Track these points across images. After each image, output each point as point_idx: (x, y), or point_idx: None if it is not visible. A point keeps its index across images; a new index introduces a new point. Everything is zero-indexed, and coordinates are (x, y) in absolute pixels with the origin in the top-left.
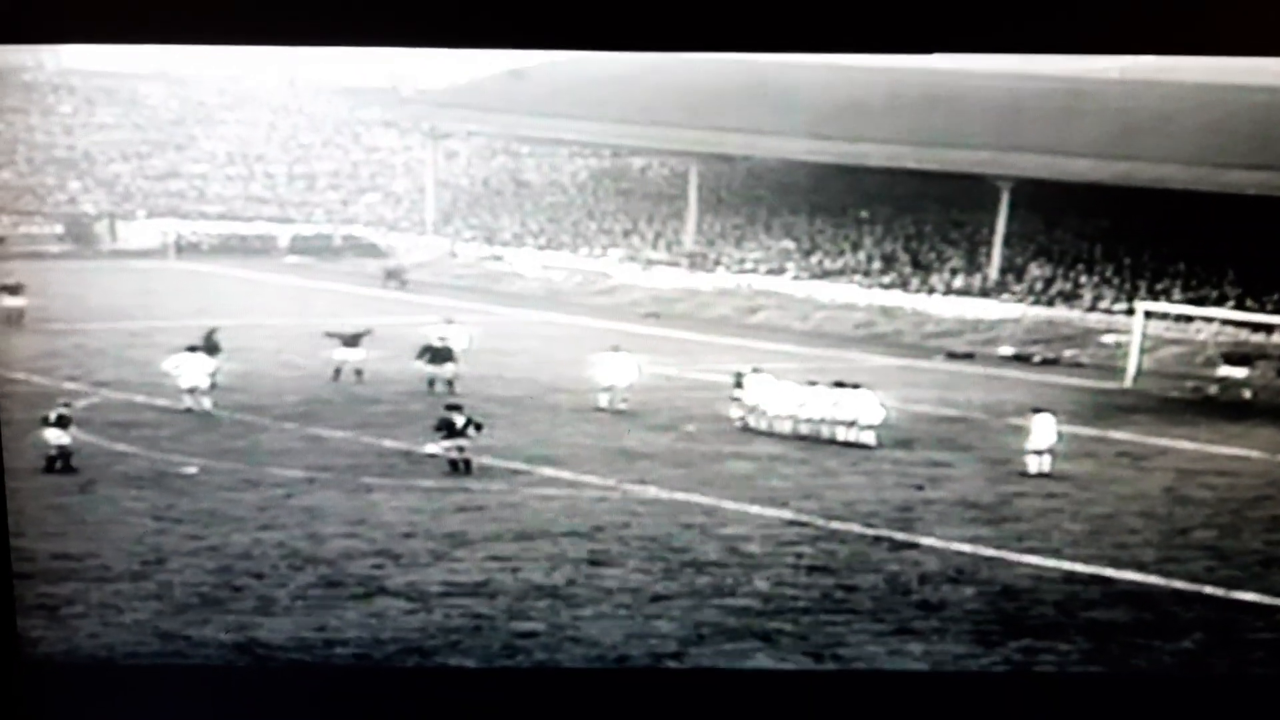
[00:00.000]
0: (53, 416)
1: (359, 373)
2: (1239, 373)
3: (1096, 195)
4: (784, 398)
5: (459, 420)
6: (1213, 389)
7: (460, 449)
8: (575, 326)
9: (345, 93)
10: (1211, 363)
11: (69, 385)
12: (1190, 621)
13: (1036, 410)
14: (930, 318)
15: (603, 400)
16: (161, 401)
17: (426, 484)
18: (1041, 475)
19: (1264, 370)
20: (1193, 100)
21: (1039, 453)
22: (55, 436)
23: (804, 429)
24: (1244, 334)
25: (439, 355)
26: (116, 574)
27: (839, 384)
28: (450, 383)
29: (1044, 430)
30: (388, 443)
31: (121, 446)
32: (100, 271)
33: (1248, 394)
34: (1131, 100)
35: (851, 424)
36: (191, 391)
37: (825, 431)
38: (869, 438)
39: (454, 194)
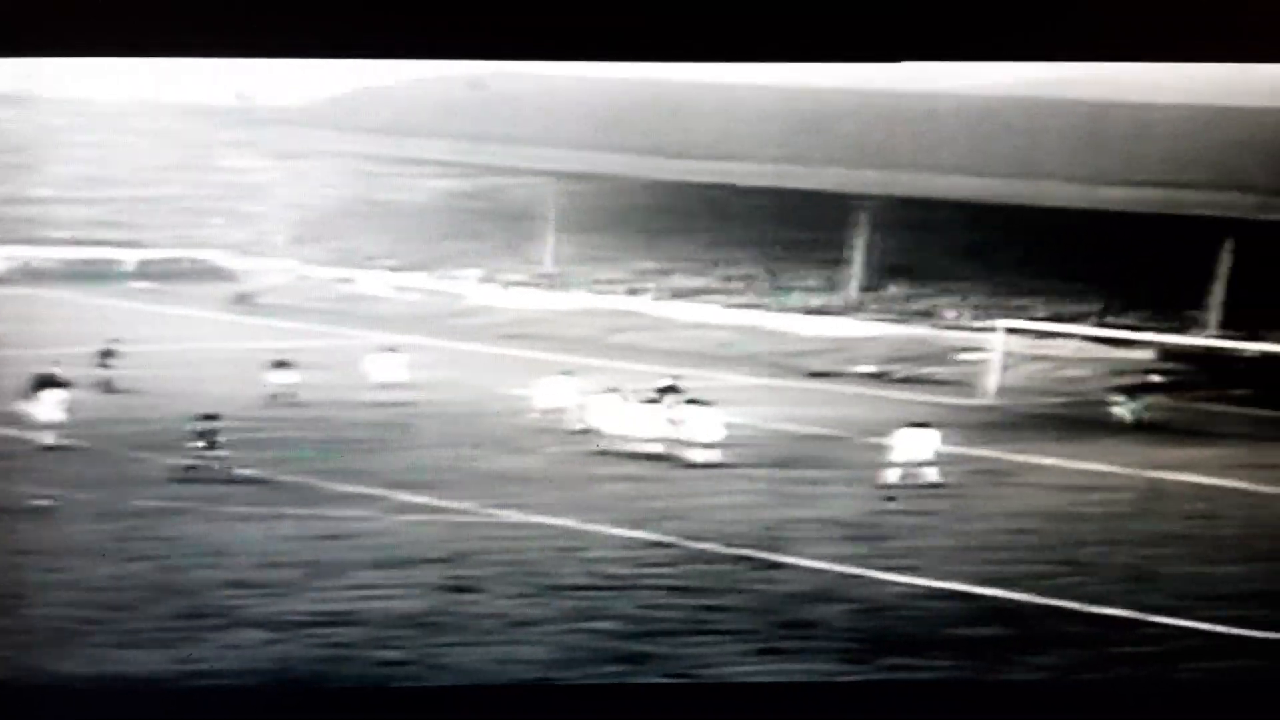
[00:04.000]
0: None
1: (291, 393)
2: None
3: (959, 213)
4: (626, 417)
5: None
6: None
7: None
8: (435, 348)
9: (194, 113)
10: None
11: None
12: (1058, 637)
13: (910, 425)
14: (792, 336)
15: (550, 421)
16: (12, 432)
17: (287, 511)
18: (908, 487)
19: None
20: (1060, 116)
21: (909, 465)
22: None
23: (642, 448)
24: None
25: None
26: None
27: (661, 393)
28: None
29: (914, 444)
30: (246, 470)
31: None
32: None
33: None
34: (995, 117)
35: (691, 443)
36: (45, 423)
37: (664, 450)
38: (707, 456)
39: (307, 215)
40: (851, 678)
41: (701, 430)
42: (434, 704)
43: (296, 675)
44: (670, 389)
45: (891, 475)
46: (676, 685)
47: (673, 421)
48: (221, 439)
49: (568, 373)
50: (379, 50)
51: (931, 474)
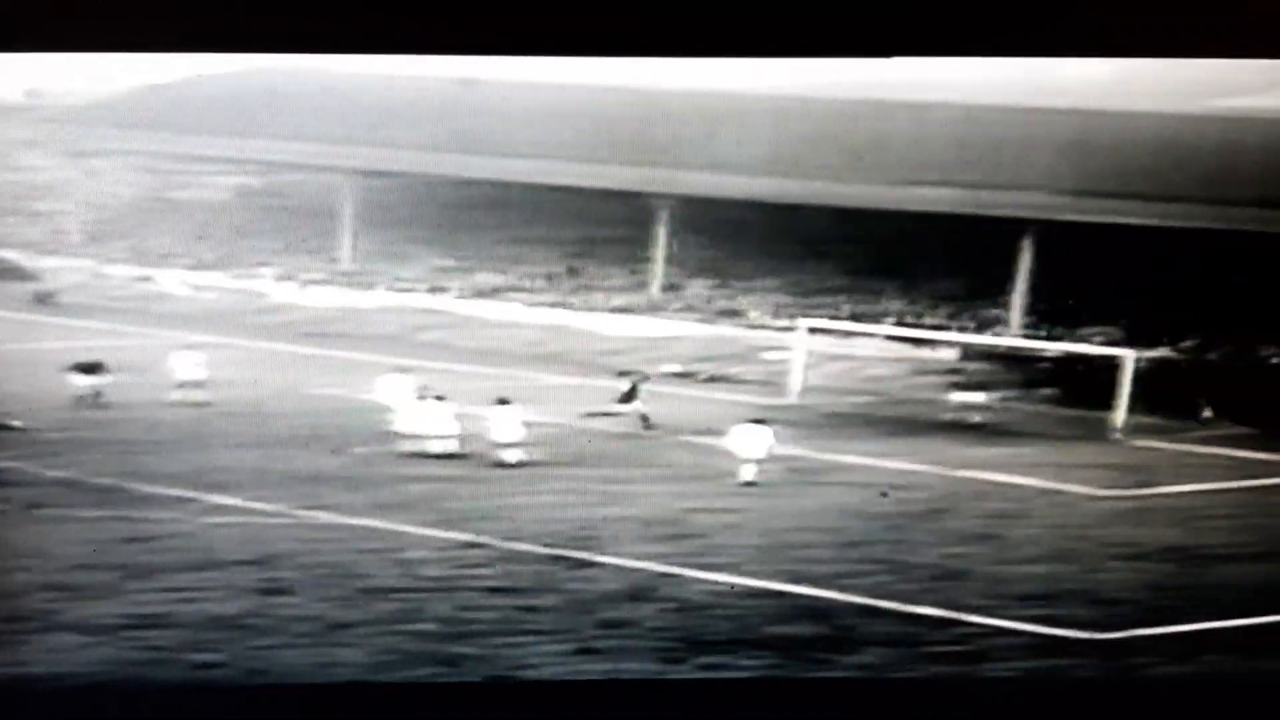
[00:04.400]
0: None
1: (99, 395)
2: (976, 397)
3: (757, 213)
4: (428, 417)
5: None
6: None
7: None
8: (236, 347)
9: None
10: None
11: None
12: (870, 636)
13: (747, 421)
14: (599, 336)
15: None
16: None
17: (94, 514)
18: (749, 484)
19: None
20: (858, 118)
21: (749, 461)
22: None
23: (442, 447)
24: (905, 349)
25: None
26: None
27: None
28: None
29: (751, 441)
30: (53, 472)
31: None
32: None
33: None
34: (793, 118)
35: (495, 442)
36: None
37: (464, 449)
38: (510, 455)
39: (102, 213)
40: (669, 677)
41: (502, 430)
42: (256, 703)
43: (115, 677)
44: (631, 391)
45: (745, 472)
46: (497, 684)
47: (461, 419)
48: None
49: (403, 371)
50: (380, 46)
51: (752, 471)
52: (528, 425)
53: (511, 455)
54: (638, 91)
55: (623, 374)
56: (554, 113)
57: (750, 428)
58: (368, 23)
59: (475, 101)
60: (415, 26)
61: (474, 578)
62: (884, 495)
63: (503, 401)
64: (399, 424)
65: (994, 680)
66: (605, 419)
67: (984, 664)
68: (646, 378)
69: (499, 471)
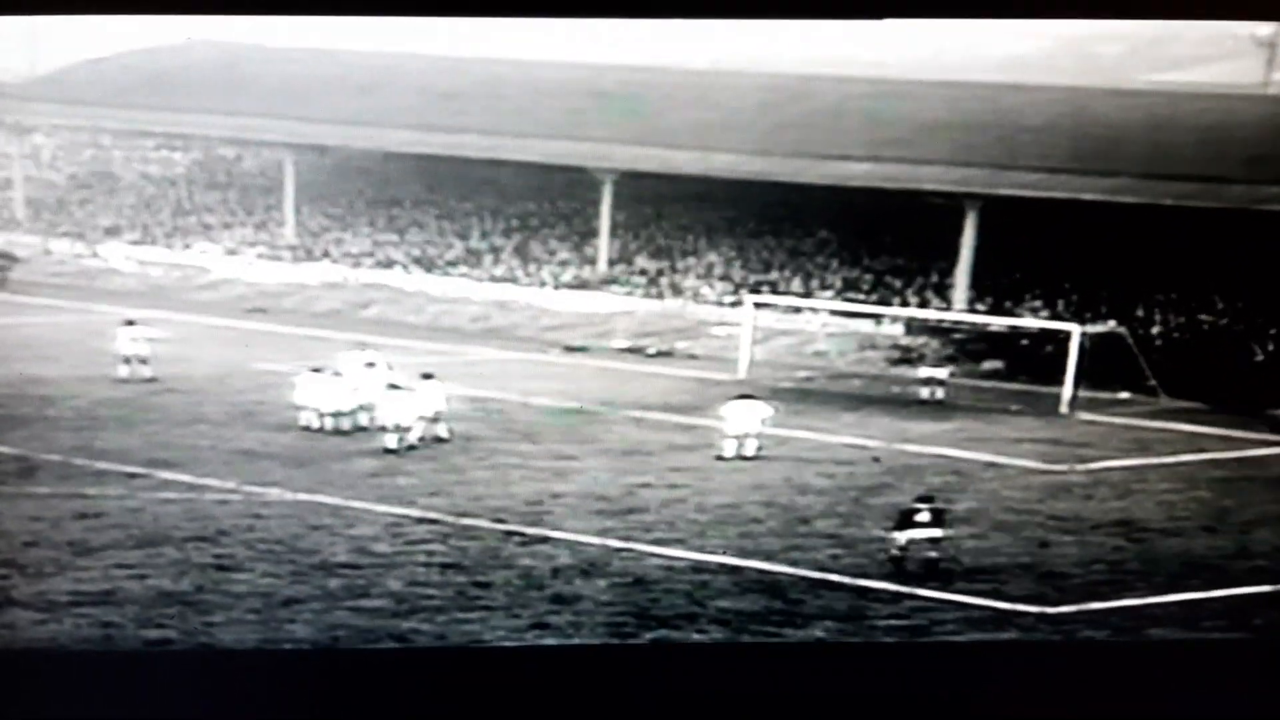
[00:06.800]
0: None
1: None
2: (940, 373)
3: (701, 187)
4: (332, 394)
5: None
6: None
7: None
8: (181, 323)
9: None
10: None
11: None
12: (820, 609)
13: (740, 397)
14: (546, 311)
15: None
16: None
17: (42, 490)
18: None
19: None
20: (781, 91)
21: (738, 438)
22: None
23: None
24: (850, 324)
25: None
26: None
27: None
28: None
29: (742, 415)
30: (3, 449)
31: None
32: None
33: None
34: (739, 93)
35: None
36: None
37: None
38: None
39: (44, 189)
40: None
41: (424, 405)
42: (212, 667)
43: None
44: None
45: (728, 447)
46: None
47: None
48: None
49: (361, 346)
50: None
51: (753, 445)
52: (471, 401)
53: (441, 430)
54: (581, 67)
55: None
56: (494, 87)
57: (743, 403)
58: None
59: (419, 77)
60: None
61: (425, 553)
62: (876, 460)
63: (426, 376)
64: (352, 399)
65: (943, 650)
66: None
67: (933, 637)
68: None
69: (447, 446)
